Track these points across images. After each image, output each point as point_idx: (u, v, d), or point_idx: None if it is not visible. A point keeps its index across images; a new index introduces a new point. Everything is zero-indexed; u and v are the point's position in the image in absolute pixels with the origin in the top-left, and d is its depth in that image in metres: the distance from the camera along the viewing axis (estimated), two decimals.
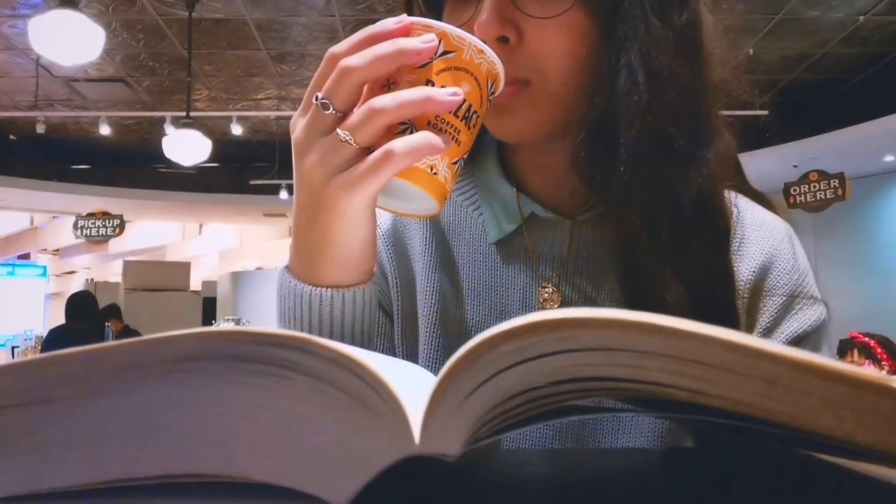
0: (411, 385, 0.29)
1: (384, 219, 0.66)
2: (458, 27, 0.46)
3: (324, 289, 0.48)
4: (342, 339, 0.50)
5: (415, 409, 0.25)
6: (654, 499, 0.32)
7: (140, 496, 0.27)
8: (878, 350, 3.00)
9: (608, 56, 0.52)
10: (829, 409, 0.23)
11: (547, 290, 0.60)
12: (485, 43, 0.47)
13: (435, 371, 0.55)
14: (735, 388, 0.23)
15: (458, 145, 0.45)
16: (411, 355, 0.63)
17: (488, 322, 0.59)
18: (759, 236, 0.60)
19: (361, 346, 0.51)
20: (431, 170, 0.43)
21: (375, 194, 0.44)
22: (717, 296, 0.53)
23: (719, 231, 0.55)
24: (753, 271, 0.58)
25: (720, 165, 0.55)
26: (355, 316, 0.50)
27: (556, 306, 0.59)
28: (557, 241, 0.60)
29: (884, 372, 2.94)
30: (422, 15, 0.56)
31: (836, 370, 0.23)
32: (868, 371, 0.22)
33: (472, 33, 0.48)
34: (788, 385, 0.23)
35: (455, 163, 0.45)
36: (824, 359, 0.23)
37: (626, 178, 0.51)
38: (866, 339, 3.05)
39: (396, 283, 0.64)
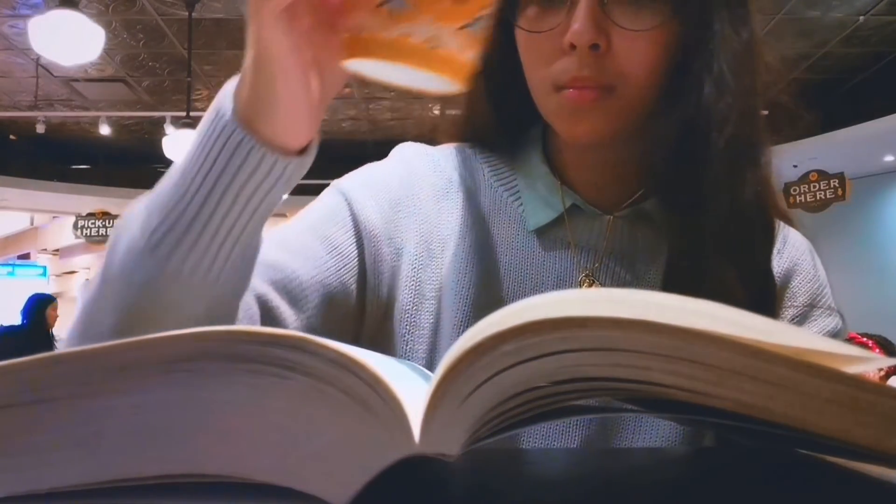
0: (411, 385, 0.29)
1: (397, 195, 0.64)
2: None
3: (250, 137, 0.43)
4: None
5: (415, 409, 0.25)
6: (654, 499, 0.32)
7: (140, 496, 0.27)
8: (877, 351, 3.00)
9: (694, 65, 0.54)
10: (829, 410, 0.23)
11: (585, 283, 0.61)
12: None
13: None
14: (735, 388, 0.23)
15: (458, 3, 0.38)
16: (378, 344, 0.62)
17: None
18: (783, 247, 0.63)
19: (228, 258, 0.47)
20: (429, 43, 0.38)
21: (279, 9, 0.41)
22: (759, 300, 0.56)
23: (769, 236, 0.57)
24: (777, 278, 0.60)
25: (771, 171, 0.58)
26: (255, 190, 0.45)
27: None
28: (595, 235, 0.62)
29: (882, 374, 2.94)
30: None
31: (835, 372, 0.23)
32: (861, 348, 0.22)
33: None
34: (788, 385, 0.23)
35: (463, 27, 0.39)
36: (830, 344, 0.23)
37: (705, 183, 0.54)
38: (865, 339, 3.05)
39: (378, 268, 0.61)
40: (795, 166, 6.43)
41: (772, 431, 0.25)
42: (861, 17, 4.83)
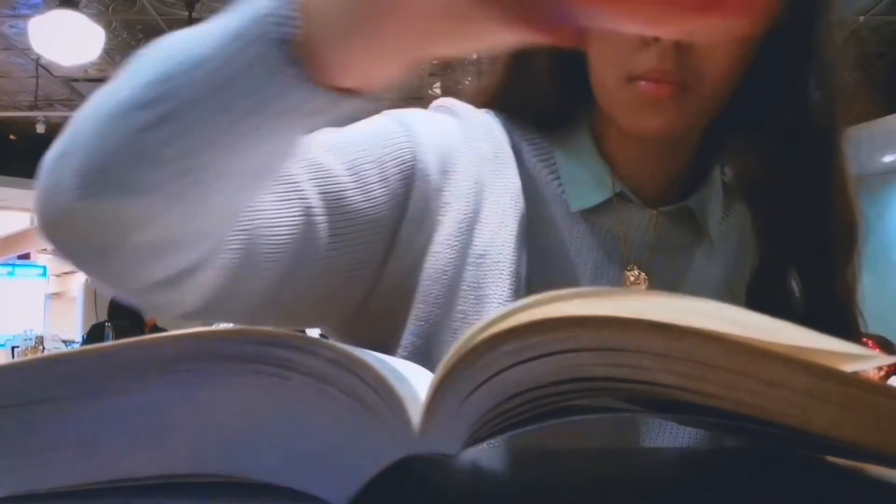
0: (411, 385, 0.29)
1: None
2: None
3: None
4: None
5: (415, 408, 0.25)
6: (654, 499, 0.32)
7: (140, 496, 0.27)
8: (877, 351, 3.00)
9: (786, 66, 0.56)
10: (829, 409, 0.23)
11: (633, 272, 0.61)
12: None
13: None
14: (735, 388, 0.23)
15: None
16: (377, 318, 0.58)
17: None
18: None
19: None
20: None
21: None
22: (842, 305, 0.59)
23: (854, 239, 0.60)
24: None
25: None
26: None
27: (644, 288, 0.61)
28: (638, 227, 0.62)
29: (882, 373, 2.94)
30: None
31: (835, 371, 0.23)
32: (864, 349, 0.22)
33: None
34: (788, 385, 0.23)
35: None
36: (830, 342, 0.23)
37: (807, 199, 0.57)
38: (865, 339, 3.05)
39: (420, 216, 0.56)
40: None
41: (772, 431, 0.25)
42: (861, 18, 4.82)
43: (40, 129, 6.21)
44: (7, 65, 5.61)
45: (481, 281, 0.56)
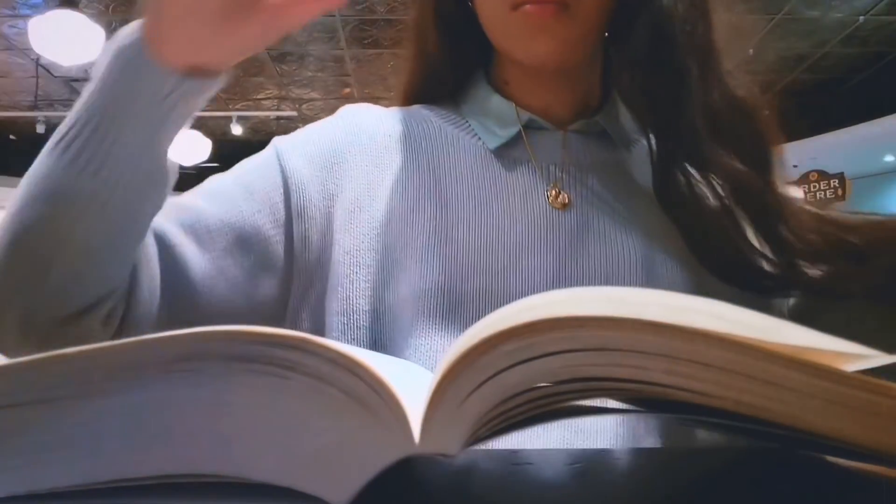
0: (411, 385, 0.29)
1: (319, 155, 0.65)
2: None
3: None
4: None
5: (415, 408, 0.25)
6: (655, 499, 0.32)
7: (140, 496, 0.27)
8: None
9: None
10: (828, 409, 0.23)
11: (553, 191, 0.63)
12: None
13: (431, 300, 0.57)
14: (735, 388, 0.23)
15: None
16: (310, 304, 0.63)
17: (493, 234, 0.61)
18: None
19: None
20: None
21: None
22: (759, 181, 0.60)
23: (755, 125, 0.61)
24: None
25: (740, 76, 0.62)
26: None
27: (566, 203, 0.63)
28: (553, 149, 0.66)
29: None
30: None
31: (836, 371, 0.23)
32: (864, 348, 0.22)
33: None
34: (788, 385, 0.23)
35: None
36: (831, 342, 0.23)
37: (676, 97, 0.59)
38: None
39: (307, 213, 0.63)
40: (795, 166, 6.42)
41: (772, 431, 0.25)
42: (861, 17, 4.82)
43: (40, 129, 6.21)
44: (7, 65, 5.61)
45: (388, 249, 0.61)
